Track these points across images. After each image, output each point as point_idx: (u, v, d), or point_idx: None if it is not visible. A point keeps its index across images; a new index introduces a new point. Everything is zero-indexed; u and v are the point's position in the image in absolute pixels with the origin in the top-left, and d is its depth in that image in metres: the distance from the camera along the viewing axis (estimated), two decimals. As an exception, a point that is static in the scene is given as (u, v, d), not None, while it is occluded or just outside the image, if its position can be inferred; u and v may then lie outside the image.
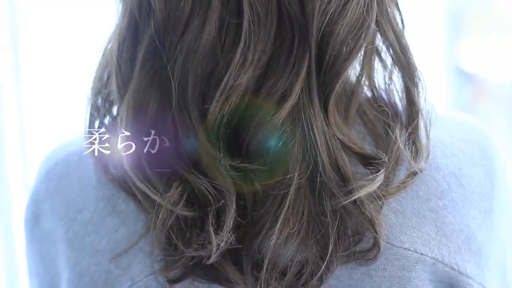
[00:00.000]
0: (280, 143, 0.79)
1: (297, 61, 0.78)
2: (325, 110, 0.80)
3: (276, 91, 0.78)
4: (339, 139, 0.80)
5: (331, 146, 0.79)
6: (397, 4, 0.87)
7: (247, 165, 0.79)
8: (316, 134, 0.79)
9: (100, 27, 0.92)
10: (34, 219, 0.92)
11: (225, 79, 0.77)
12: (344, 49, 0.79)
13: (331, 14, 0.78)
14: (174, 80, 0.79)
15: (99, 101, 0.88)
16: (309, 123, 0.79)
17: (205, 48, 0.78)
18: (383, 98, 0.87)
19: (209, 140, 0.79)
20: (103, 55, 0.88)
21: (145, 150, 0.82)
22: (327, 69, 0.79)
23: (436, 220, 0.84)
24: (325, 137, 0.79)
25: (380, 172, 0.80)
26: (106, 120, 0.88)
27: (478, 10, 2.73)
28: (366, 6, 0.80)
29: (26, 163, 1.87)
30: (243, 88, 0.78)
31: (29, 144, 1.87)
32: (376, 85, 0.87)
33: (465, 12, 2.72)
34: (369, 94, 0.87)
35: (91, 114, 0.88)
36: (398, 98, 0.87)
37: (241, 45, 0.77)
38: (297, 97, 0.78)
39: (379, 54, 0.86)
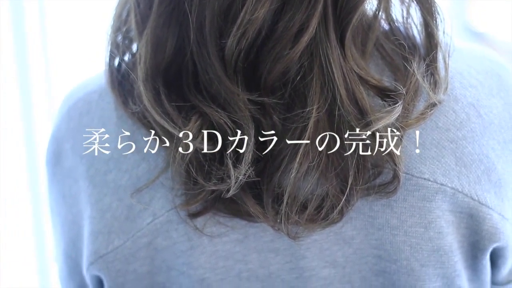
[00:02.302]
0: (298, 77, 0.78)
1: None
2: (342, 44, 0.78)
3: (293, 25, 0.76)
4: (356, 72, 0.78)
5: (348, 80, 0.78)
6: None
7: (265, 99, 0.78)
8: (334, 68, 0.77)
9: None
10: (55, 158, 0.91)
11: (242, 13, 0.76)
12: None
13: None
14: (191, 16, 0.78)
15: (119, 38, 0.87)
16: (326, 57, 0.77)
17: None
18: (401, 32, 0.85)
19: (227, 75, 0.78)
20: None
21: (163, 85, 0.80)
22: (344, 3, 0.77)
23: (455, 151, 0.82)
24: (342, 71, 0.77)
25: (398, 104, 0.78)
26: (126, 57, 0.87)
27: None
28: None
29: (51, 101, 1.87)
30: (260, 22, 0.76)
31: (54, 81, 1.87)
32: (394, 19, 0.85)
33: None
34: (386, 27, 0.86)
35: (111, 51, 0.87)
36: (416, 32, 0.85)
37: None
38: (313, 31, 0.76)
39: None
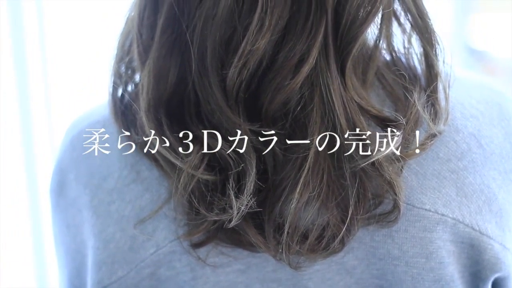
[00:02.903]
0: (299, 107, 0.78)
1: (314, 25, 0.77)
2: (342, 73, 0.78)
3: (294, 56, 0.77)
4: (356, 102, 0.78)
5: (348, 110, 0.77)
6: None
7: (266, 129, 0.78)
8: (334, 98, 0.77)
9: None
10: (59, 188, 0.91)
11: (243, 44, 0.76)
12: (361, 14, 0.77)
13: None
14: (193, 46, 0.78)
15: (122, 68, 0.87)
16: (326, 87, 0.77)
17: (223, 14, 0.77)
18: (402, 61, 0.85)
19: (228, 105, 0.78)
20: (125, 23, 0.87)
21: (166, 116, 0.81)
22: (344, 33, 0.78)
23: (456, 181, 0.82)
24: (343, 101, 0.77)
25: (399, 134, 0.78)
26: (129, 87, 0.87)
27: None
28: None
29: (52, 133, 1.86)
30: (261, 53, 0.76)
31: (54, 113, 1.86)
32: (395, 49, 0.86)
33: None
34: (387, 57, 0.86)
35: (114, 82, 0.87)
36: (417, 61, 0.85)
37: (258, 10, 0.76)
38: (314, 61, 0.77)
39: (397, 18, 0.85)
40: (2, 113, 1.77)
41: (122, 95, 0.87)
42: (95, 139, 0.88)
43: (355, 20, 0.78)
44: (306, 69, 0.77)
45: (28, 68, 1.80)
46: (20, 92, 1.80)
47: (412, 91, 0.81)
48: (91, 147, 0.88)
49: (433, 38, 0.84)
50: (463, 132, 0.84)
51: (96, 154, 0.87)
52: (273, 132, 0.78)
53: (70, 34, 1.85)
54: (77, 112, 1.67)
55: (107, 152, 0.86)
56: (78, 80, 1.86)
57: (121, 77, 0.87)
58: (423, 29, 0.83)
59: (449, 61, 0.85)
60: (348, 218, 0.79)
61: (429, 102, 0.82)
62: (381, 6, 0.79)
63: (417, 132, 0.81)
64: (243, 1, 0.77)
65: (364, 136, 0.78)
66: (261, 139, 0.79)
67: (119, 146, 0.85)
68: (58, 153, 0.93)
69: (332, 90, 0.77)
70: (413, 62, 0.85)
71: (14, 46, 1.78)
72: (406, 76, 0.83)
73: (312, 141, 0.77)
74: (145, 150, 0.82)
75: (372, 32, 0.83)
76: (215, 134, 0.79)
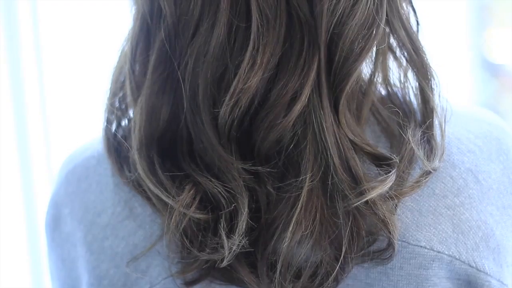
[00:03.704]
0: (292, 145, 0.77)
1: (307, 63, 0.76)
2: (336, 110, 0.77)
3: (286, 93, 0.76)
4: (350, 139, 0.77)
5: (342, 147, 0.77)
6: (411, 3, 0.85)
7: (258, 168, 0.77)
8: (327, 136, 0.76)
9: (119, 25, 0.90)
10: (54, 223, 0.90)
11: (234, 82, 0.75)
12: (354, 50, 0.77)
13: (339, 15, 0.76)
14: (185, 84, 0.78)
15: (116, 103, 0.87)
16: (319, 125, 0.76)
17: (214, 52, 0.76)
18: (398, 96, 0.84)
19: (220, 143, 0.77)
20: (119, 57, 0.87)
21: (158, 154, 0.80)
22: (337, 70, 0.77)
23: (452, 218, 0.81)
24: (336, 138, 0.77)
25: (391, 173, 0.77)
26: (123, 122, 0.87)
27: (503, 1, 2.68)
28: (375, 6, 0.77)
29: (50, 160, 1.86)
30: (253, 91, 0.76)
31: (53, 141, 1.86)
32: (391, 83, 0.84)
33: (491, 3, 2.68)
34: (383, 92, 0.85)
35: (108, 117, 0.87)
36: (413, 96, 0.84)
37: (250, 48, 0.75)
38: (306, 99, 0.76)
39: (393, 52, 0.84)
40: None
41: (116, 130, 0.86)
42: (89, 175, 0.87)
43: (348, 56, 0.77)
44: (298, 107, 0.76)
45: (23, 69, 1.80)
46: (15, 94, 1.80)
47: (407, 127, 0.80)
48: (85, 183, 0.87)
49: (428, 73, 0.82)
50: (460, 168, 0.83)
51: (90, 189, 0.87)
52: (266, 170, 0.77)
53: (65, 34, 1.84)
54: (72, 114, 1.67)
55: (101, 188, 0.86)
56: (73, 80, 1.85)
57: (114, 112, 0.86)
58: (418, 64, 0.82)
59: (445, 96, 0.84)
60: (342, 256, 0.78)
61: (425, 138, 0.81)
62: (375, 42, 0.78)
63: (412, 170, 0.80)
64: (234, 38, 0.76)
65: (357, 175, 0.77)
66: (254, 178, 0.78)
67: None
68: (53, 187, 0.92)
69: (325, 128, 0.76)
70: (409, 97, 0.84)
71: (8, 47, 1.77)
72: (402, 112, 0.82)
73: (305, 179, 0.76)
74: (137, 188, 0.82)
75: (367, 66, 0.82)
76: (207, 173, 0.78)
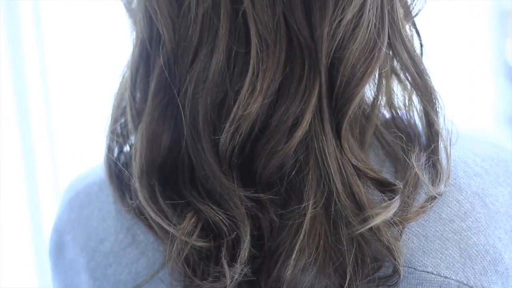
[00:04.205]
0: (294, 172, 0.76)
1: (308, 88, 0.75)
2: (338, 136, 0.76)
3: (287, 119, 0.75)
4: (353, 165, 0.76)
5: (345, 173, 0.75)
6: (414, 24, 0.83)
7: (260, 195, 0.76)
8: (330, 161, 0.75)
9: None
10: (58, 250, 0.90)
11: (234, 109, 0.74)
12: (355, 74, 0.76)
13: (340, 39, 0.75)
14: (185, 110, 0.77)
15: (118, 129, 0.86)
16: (322, 151, 0.75)
17: (213, 78, 0.75)
18: (403, 120, 0.83)
19: (222, 170, 0.76)
20: (120, 83, 0.86)
21: (159, 181, 0.79)
22: (339, 95, 0.76)
23: (459, 242, 0.79)
24: (339, 164, 0.75)
25: (395, 199, 0.76)
26: (125, 149, 0.86)
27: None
28: (376, 29, 0.76)
29: (56, 163, 1.86)
30: (253, 117, 0.75)
31: (57, 143, 1.86)
32: (396, 106, 0.83)
33: (513, 10, 2.66)
34: (388, 115, 0.83)
35: (109, 144, 0.86)
36: (418, 119, 0.83)
37: (250, 74, 0.74)
38: (308, 124, 0.75)
39: (397, 75, 0.82)
40: (1, 115, 1.76)
41: (118, 157, 0.85)
42: (91, 201, 0.87)
43: (350, 81, 0.76)
44: (299, 133, 0.75)
45: (26, 70, 1.79)
46: (18, 94, 1.79)
47: (411, 152, 0.79)
48: (87, 209, 0.87)
49: (433, 96, 0.81)
50: (467, 192, 0.81)
51: (92, 216, 0.86)
52: (268, 197, 0.76)
53: (68, 34, 1.83)
54: (76, 114, 1.66)
55: (104, 215, 0.85)
56: (77, 80, 1.84)
57: (116, 139, 0.86)
58: (422, 87, 0.81)
59: (452, 117, 0.82)
60: (347, 283, 0.77)
61: (430, 162, 0.80)
62: (377, 66, 0.77)
63: (417, 195, 0.78)
64: (234, 64, 0.76)
65: (360, 201, 0.76)
66: (256, 205, 0.77)
67: (115, 210, 0.84)
68: (56, 213, 0.92)
69: (327, 154, 0.75)
70: (414, 120, 0.83)
71: (11, 47, 1.77)
72: (406, 136, 0.81)
73: (308, 206, 0.75)
74: (139, 216, 0.81)
75: (370, 89, 0.81)
76: (209, 200, 0.77)
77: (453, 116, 0.83)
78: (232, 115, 0.75)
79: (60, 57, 1.82)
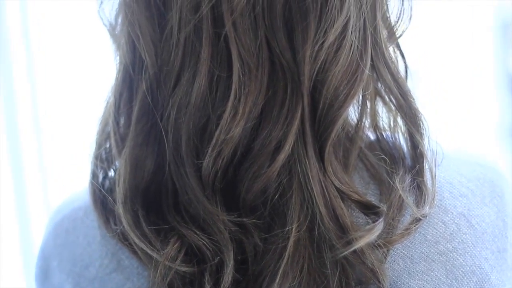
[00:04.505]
0: (277, 195, 0.76)
1: (290, 111, 0.75)
2: (322, 159, 0.76)
3: (270, 143, 0.75)
4: (337, 187, 0.76)
5: (328, 196, 0.75)
6: (398, 46, 0.83)
7: (244, 219, 0.76)
8: (313, 185, 0.75)
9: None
10: (44, 275, 0.89)
11: (217, 133, 0.74)
12: (338, 97, 0.75)
13: (322, 61, 0.75)
14: (168, 135, 0.77)
15: (102, 154, 0.86)
16: (305, 174, 0.75)
17: (196, 102, 0.75)
18: (387, 142, 0.83)
19: (205, 195, 0.76)
20: (104, 108, 0.86)
21: (142, 206, 0.79)
22: (322, 118, 0.76)
23: (445, 264, 0.79)
24: (322, 187, 0.75)
25: (378, 222, 0.75)
26: (110, 174, 0.86)
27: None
28: (359, 51, 0.76)
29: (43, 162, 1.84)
30: (235, 141, 0.74)
31: (45, 144, 1.85)
32: (381, 127, 0.83)
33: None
34: (373, 137, 0.83)
35: (94, 167, 0.86)
36: (403, 140, 0.83)
37: (232, 98, 0.74)
38: (290, 148, 0.75)
39: (382, 97, 0.82)
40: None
41: (102, 182, 0.85)
42: (76, 227, 0.87)
43: (332, 103, 0.76)
44: (282, 157, 0.75)
45: (13, 69, 1.78)
46: (5, 92, 1.78)
47: (396, 173, 0.79)
48: (73, 235, 0.87)
49: (417, 118, 0.81)
50: (452, 212, 0.81)
51: (78, 241, 0.86)
52: (252, 221, 0.76)
53: (56, 33, 1.82)
54: (65, 112, 1.64)
55: (89, 240, 0.85)
56: (66, 80, 1.83)
57: (101, 164, 0.85)
58: (406, 109, 0.81)
59: (436, 138, 0.82)
60: None
61: (415, 184, 0.79)
62: (360, 88, 0.77)
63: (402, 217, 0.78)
64: (216, 88, 0.75)
65: (344, 223, 0.75)
66: (240, 229, 0.77)
67: (100, 235, 0.84)
68: (42, 238, 0.92)
69: (310, 177, 0.75)
70: (399, 141, 0.82)
71: None
72: (391, 158, 0.81)
73: (291, 229, 0.75)
74: (123, 241, 0.81)
75: (355, 111, 0.81)
76: (192, 225, 0.77)
77: (438, 137, 0.82)
78: (214, 140, 0.74)
79: (48, 57, 1.81)
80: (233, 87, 0.74)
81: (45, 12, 1.79)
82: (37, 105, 1.81)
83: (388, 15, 0.82)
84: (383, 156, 0.80)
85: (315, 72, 0.75)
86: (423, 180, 0.79)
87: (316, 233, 0.75)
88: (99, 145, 0.86)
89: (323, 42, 0.74)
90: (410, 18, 0.82)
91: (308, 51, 0.74)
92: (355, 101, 0.79)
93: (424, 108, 0.82)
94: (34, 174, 1.82)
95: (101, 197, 0.84)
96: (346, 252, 0.74)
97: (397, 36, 0.82)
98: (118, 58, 0.83)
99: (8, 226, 1.82)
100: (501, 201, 0.84)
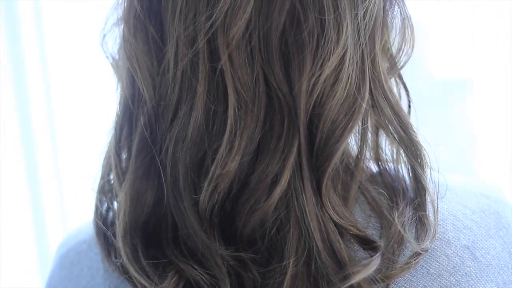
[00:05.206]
0: (275, 229, 0.75)
1: (287, 145, 0.74)
2: (319, 193, 0.75)
3: (266, 177, 0.74)
4: (335, 222, 0.75)
5: (325, 231, 0.75)
6: (401, 78, 0.82)
7: (241, 254, 0.76)
8: (310, 219, 0.74)
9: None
10: None
11: (212, 168, 0.74)
12: (335, 131, 0.75)
13: (318, 95, 0.74)
14: (166, 169, 0.77)
15: (106, 187, 0.86)
16: (302, 208, 0.75)
17: (192, 137, 0.75)
18: (390, 174, 0.81)
19: (203, 229, 0.76)
20: (108, 141, 0.86)
21: (141, 240, 0.79)
22: (319, 151, 0.75)
23: None
24: (319, 222, 0.75)
25: (374, 257, 0.74)
26: (114, 205, 0.86)
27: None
28: (356, 85, 0.75)
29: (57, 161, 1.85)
30: (231, 176, 0.74)
31: (59, 142, 1.84)
32: (384, 159, 0.82)
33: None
34: (375, 168, 0.82)
35: (99, 199, 0.86)
36: (406, 172, 0.81)
37: (227, 132, 0.74)
38: (286, 182, 0.74)
39: (384, 129, 0.81)
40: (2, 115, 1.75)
41: (106, 214, 0.86)
42: (81, 260, 0.87)
43: (329, 137, 0.75)
44: (278, 191, 0.74)
45: (27, 69, 1.77)
46: (19, 93, 1.77)
47: (397, 207, 0.78)
48: (77, 268, 0.87)
49: (418, 151, 0.79)
50: (456, 245, 0.79)
51: (82, 274, 0.86)
52: (249, 256, 0.76)
53: (69, 34, 1.82)
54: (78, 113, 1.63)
55: (93, 273, 0.86)
56: (79, 80, 1.82)
57: (105, 196, 0.86)
58: (407, 142, 0.80)
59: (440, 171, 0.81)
60: None
61: (416, 217, 0.78)
62: (357, 122, 0.76)
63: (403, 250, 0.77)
64: (213, 123, 0.75)
65: (341, 258, 0.75)
66: (239, 263, 0.76)
67: (103, 268, 0.84)
68: (50, 269, 0.92)
69: (307, 212, 0.74)
70: (402, 173, 0.81)
71: (11, 48, 1.75)
72: (392, 190, 0.80)
73: (289, 264, 0.75)
74: (123, 275, 0.81)
75: (356, 143, 0.80)
76: (191, 259, 0.77)
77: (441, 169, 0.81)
78: (210, 174, 0.74)
79: (61, 57, 1.81)
80: (229, 121, 0.74)
81: (58, 10, 1.79)
82: (51, 106, 1.81)
83: (389, 45, 0.81)
84: (384, 189, 0.79)
85: (312, 106, 0.74)
86: (425, 214, 0.78)
87: (313, 267, 0.75)
88: (102, 178, 0.86)
89: (319, 76, 0.74)
90: (413, 48, 0.81)
91: (304, 84, 0.74)
92: (353, 133, 0.78)
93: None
94: (49, 176, 1.83)
95: (104, 229, 0.85)
96: (343, 287, 0.74)
97: (399, 67, 0.81)
98: (119, 90, 0.83)
99: (24, 228, 1.83)
100: (507, 233, 0.82)
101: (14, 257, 1.78)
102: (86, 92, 1.78)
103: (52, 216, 1.79)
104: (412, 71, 0.86)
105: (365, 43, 0.76)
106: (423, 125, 0.83)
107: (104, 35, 0.84)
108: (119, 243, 0.79)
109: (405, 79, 0.83)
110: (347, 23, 0.75)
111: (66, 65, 1.78)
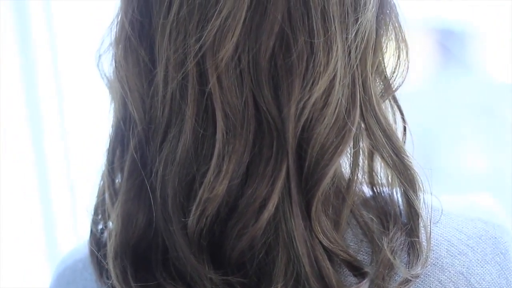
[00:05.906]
0: (263, 253, 0.75)
1: (276, 169, 0.74)
2: (308, 217, 0.74)
3: (255, 201, 0.74)
4: (324, 246, 0.74)
5: (313, 255, 0.74)
6: (395, 100, 0.80)
7: (229, 277, 0.75)
8: (298, 244, 0.74)
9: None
10: None
11: (200, 191, 0.74)
12: (324, 155, 0.74)
13: (307, 119, 0.73)
14: (156, 192, 0.77)
15: (101, 207, 0.86)
16: (290, 232, 0.74)
17: (181, 160, 0.75)
18: (383, 198, 0.80)
19: (192, 252, 0.76)
20: (103, 162, 0.86)
21: (132, 262, 0.79)
22: (308, 175, 0.74)
23: None
24: (307, 246, 0.74)
25: (362, 283, 0.74)
26: (110, 223, 0.86)
27: None
28: (347, 108, 0.74)
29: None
30: (219, 199, 0.74)
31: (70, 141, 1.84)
32: (378, 182, 0.81)
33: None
34: (368, 191, 0.81)
35: (93, 220, 0.86)
36: (400, 196, 0.80)
37: (215, 156, 0.73)
38: (274, 207, 0.74)
39: (378, 152, 0.80)
40: (9, 115, 1.75)
41: (101, 234, 0.86)
42: (76, 279, 0.87)
43: (318, 162, 0.74)
44: (266, 216, 0.74)
45: (38, 70, 1.77)
46: (29, 94, 1.77)
47: (387, 232, 0.77)
48: (73, 286, 0.87)
49: (410, 176, 0.78)
50: (450, 271, 0.78)
51: None
52: (237, 280, 0.75)
53: (80, 34, 1.81)
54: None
55: None
56: (90, 81, 1.81)
57: (99, 216, 0.86)
58: (399, 166, 0.78)
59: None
60: None
61: (408, 243, 0.77)
62: (347, 146, 0.75)
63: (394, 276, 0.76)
64: (202, 146, 0.75)
65: (330, 283, 0.74)
66: (228, 287, 0.76)
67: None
68: (49, 286, 0.93)
69: (295, 236, 0.74)
70: (396, 197, 0.80)
71: (22, 48, 1.75)
72: (385, 215, 0.78)
73: None
74: None
75: (349, 166, 0.79)
76: (180, 281, 0.77)
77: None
78: (198, 198, 0.74)
79: (72, 57, 1.81)
80: (217, 145, 0.74)
81: (69, 11, 1.79)
82: (62, 105, 1.82)
83: (383, 67, 0.79)
84: (373, 216, 0.78)
85: (300, 130, 0.74)
86: (417, 239, 0.77)
87: None
88: (98, 197, 0.86)
89: (308, 99, 0.73)
90: (408, 70, 0.80)
91: (292, 108, 0.73)
92: (344, 157, 0.77)
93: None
94: (59, 176, 1.83)
95: (97, 250, 0.84)
96: None
97: (394, 89, 0.80)
98: (112, 112, 0.83)
99: (34, 228, 1.83)
100: (504, 259, 0.81)
101: (23, 258, 1.79)
102: (97, 92, 1.77)
103: (62, 217, 1.80)
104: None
105: (356, 66, 0.75)
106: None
107: (100, 56, 0.84)
108: (110, 265, 0.79)
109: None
110: (337, 46, 0.73)
111: (77, 66, 1.77)
